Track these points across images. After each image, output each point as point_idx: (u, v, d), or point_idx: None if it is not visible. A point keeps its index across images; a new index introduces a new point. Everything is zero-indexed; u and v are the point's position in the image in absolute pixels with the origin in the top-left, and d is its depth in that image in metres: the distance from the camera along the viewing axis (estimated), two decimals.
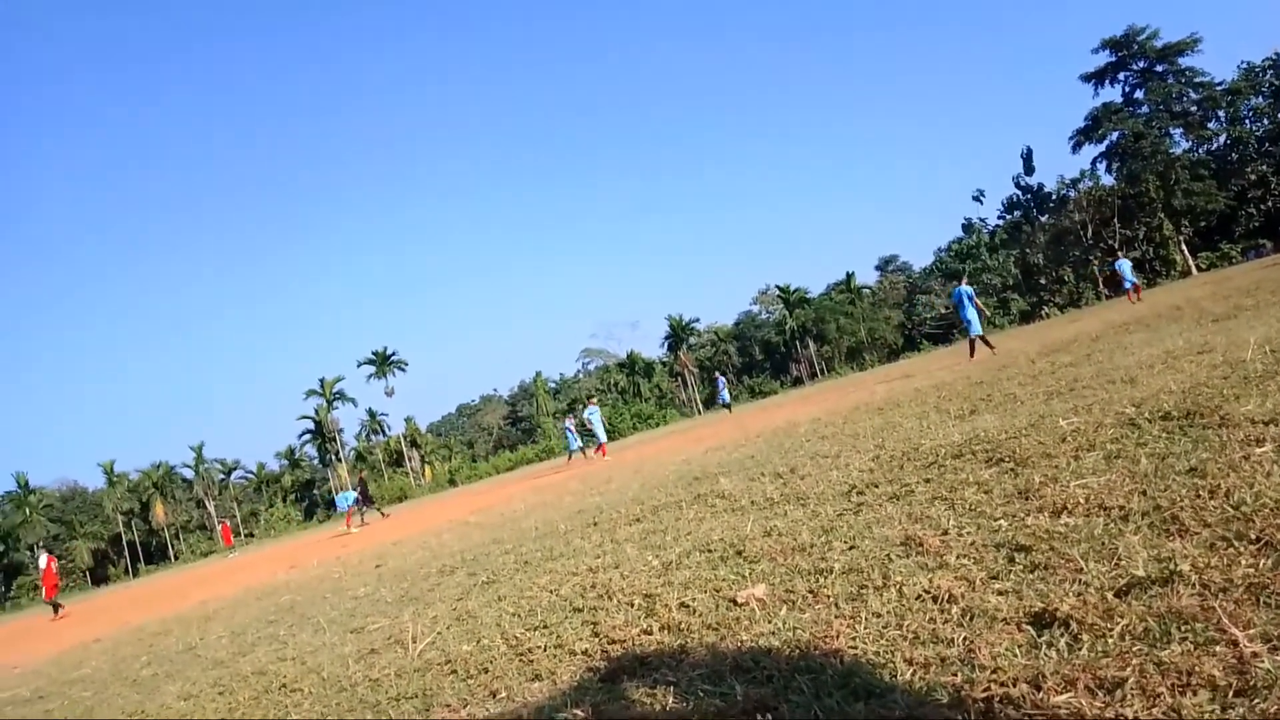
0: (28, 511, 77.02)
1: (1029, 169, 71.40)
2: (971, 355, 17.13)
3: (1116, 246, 59.87)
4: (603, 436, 23.55)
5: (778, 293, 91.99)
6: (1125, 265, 28.59)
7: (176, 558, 78.34)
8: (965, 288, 18.28)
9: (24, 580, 75.34)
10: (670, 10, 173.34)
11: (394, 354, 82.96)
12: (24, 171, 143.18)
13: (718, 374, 43.41)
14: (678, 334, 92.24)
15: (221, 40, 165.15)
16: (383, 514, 29.34)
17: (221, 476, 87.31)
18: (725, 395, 36.79)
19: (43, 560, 20.20)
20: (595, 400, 25.37)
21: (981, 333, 17.81)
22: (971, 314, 17.64)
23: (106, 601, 24.39)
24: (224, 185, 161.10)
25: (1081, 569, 2.52)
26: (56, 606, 19.49)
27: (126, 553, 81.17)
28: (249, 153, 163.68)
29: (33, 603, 67.52)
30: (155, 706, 4.50)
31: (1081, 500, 3.22)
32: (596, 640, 3.24)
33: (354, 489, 28.57)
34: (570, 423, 25.86)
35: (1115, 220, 61.09)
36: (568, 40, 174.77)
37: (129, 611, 14.51)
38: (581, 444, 24.99)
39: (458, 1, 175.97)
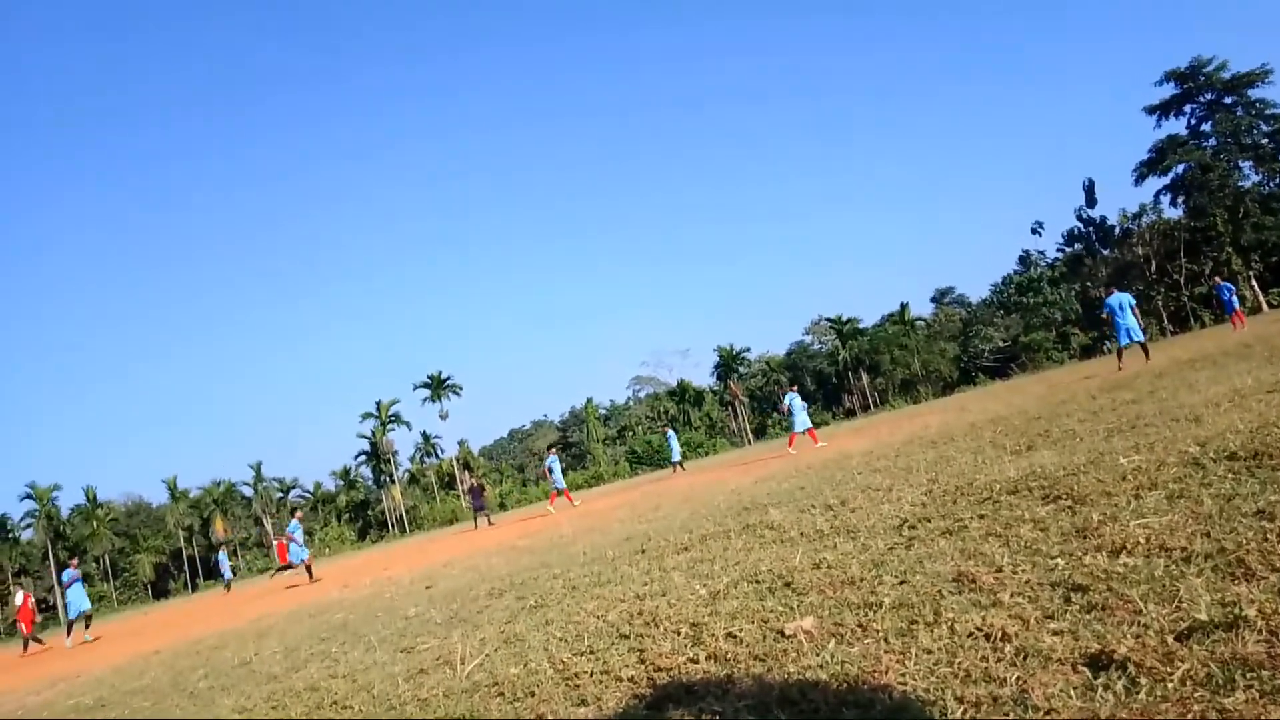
0: (95, 525, 79.48)
1: (1091, 201, 70.10)
2: (1122, 367, 17.10)
3: (1182, 281, 58.28)
4: (561, 484, 22.05)
5: (829, 324, 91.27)
6: (1228, 288, 27.51)
7: (234, 574, 79.96)
8: (1124, 295, 18.34)
9: (90, 591, 77.40)
10: (718, 37, 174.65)
11: (449, 378, 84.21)
12: (103, 194, 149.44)
13: (794, 387, 42.76)
14: (728, 363, 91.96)
15: (294, 84, 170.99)
16: (490, 521, 29.40)
17: (279, 495, 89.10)
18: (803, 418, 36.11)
19: (18, 598, 19.83)
20: (555, 450, 23.90)
21: (1143, 340, 17.99)
22: (1132, 321, 17.80)
23: (166, 615, 25.01)
24: (291, 211, 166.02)
25: (1141, 610, 2.46)
26: (27, 642, 19.07)
27: (186, 567, 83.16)
28: (316, 181, 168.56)
29: (97, 613, 69.57)
30: (211, 718, 4.61)
31: (1142, 540, 3.14)
32: (643, 667, 3.24)
33: (468, 493, 29.08)
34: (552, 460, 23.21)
35: (1181, 254, 59.43)
36: (624, 75, 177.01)
37: (187, 625, 14.86)
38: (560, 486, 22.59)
39: (511, 25, 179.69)
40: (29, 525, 77.79)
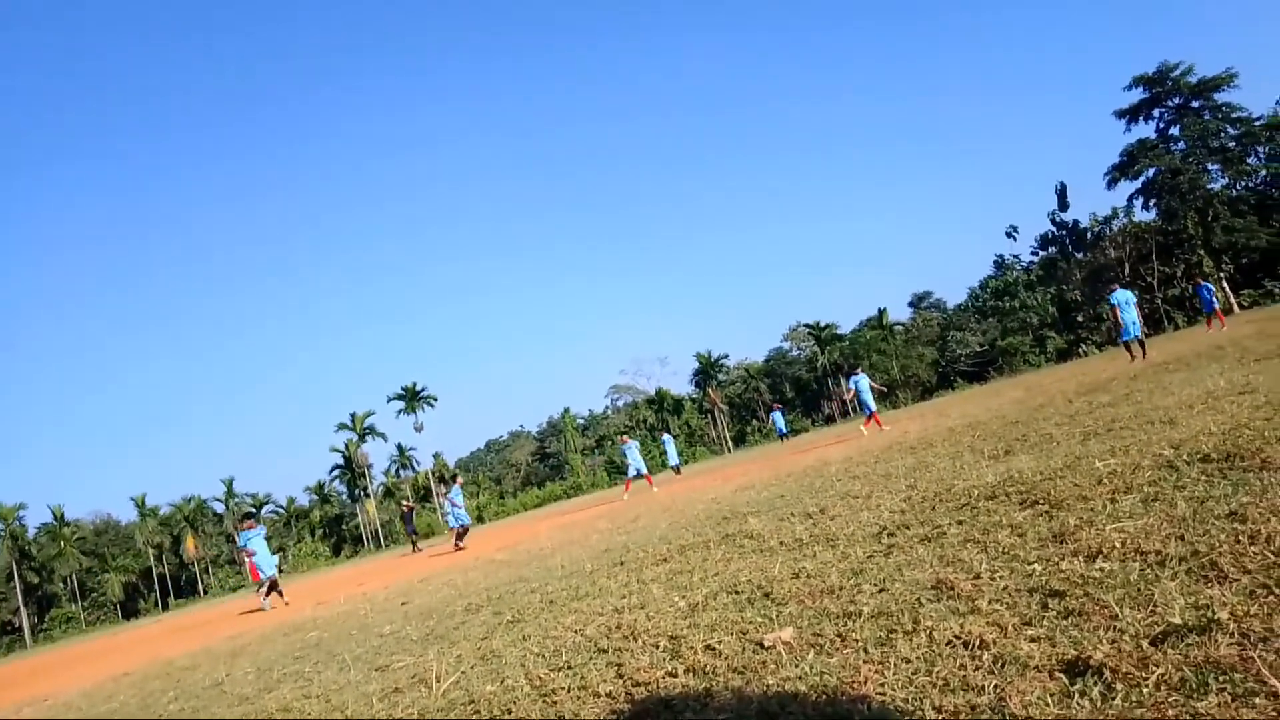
0: (62, 544, 78.05)
1: (1063, 205, 70.99)
2: (1134, 357, 18.20)
3: (1155, 284, 59.18)
4: (466, 520, 21.25)
5: (808, 330, 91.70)
6: (1208, 289, 28.00)
7: (206, 592, 78.88)
8: (1126, 292, 19.11)
9: (57, 613, 76.21)
10: (702, 43, 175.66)
11: (424, 389, 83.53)
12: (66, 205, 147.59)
13: (775, 406, 43.59)
14: (707, 370, 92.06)
15: (299, 89, 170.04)
16: (416, 548, 29.20)
17: (252, 511, 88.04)
18: (782, 426, 37.55)
19: None
20: (460, 480, 22.75)
21: (1140, 336, 18.84)
22: (1132, 316, 18.64)
23: (136, 635, 24.56)
24: (264, 224, 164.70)
25: (1116, 616, 2.47)
26: None
27: (157, 586, 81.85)
28: (290, 193, 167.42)
29: (65, 634, 68.31)
30: None
31: (1117, 545, 3.15)
32: (621, 682, 3.20)
33: (401, 518, 28.09)
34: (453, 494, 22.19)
35: (1153, 257, 60.36)
36: (601, 76, 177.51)
37: (158, 645, 14.59)
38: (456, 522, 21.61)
39: (483, 36, 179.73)
40: None
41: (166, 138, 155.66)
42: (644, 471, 23.05)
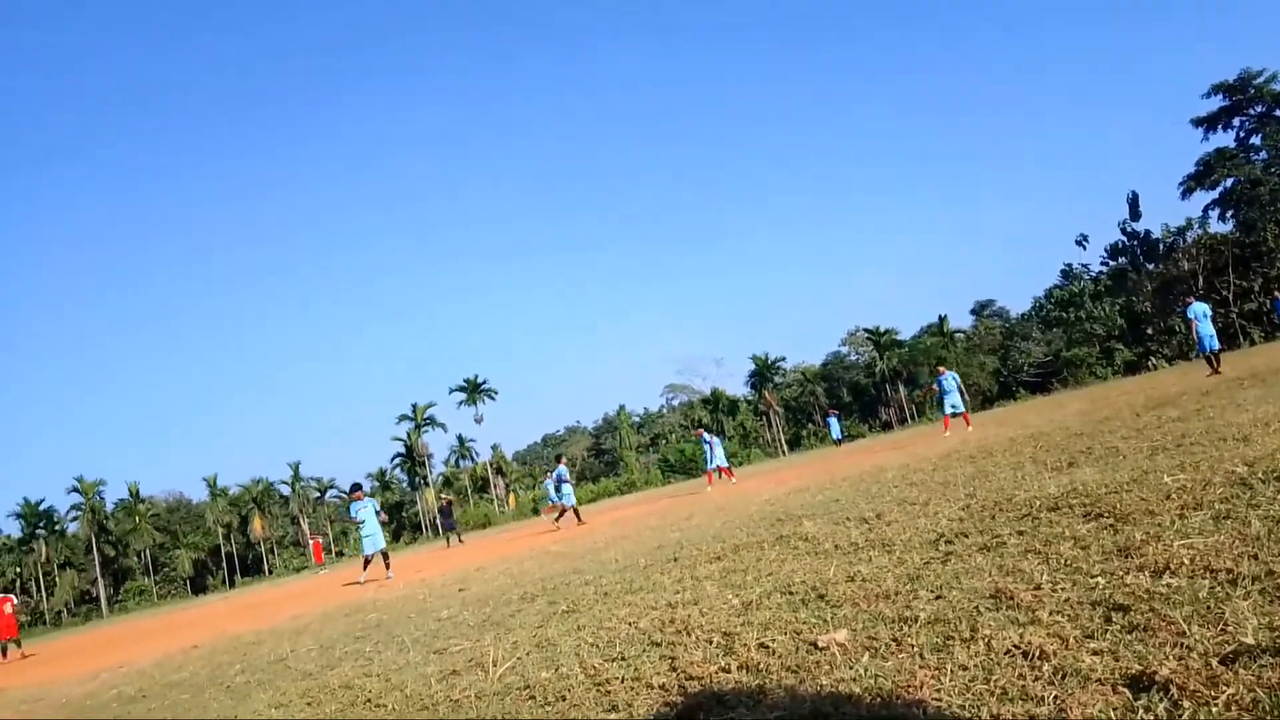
0: (137, 520, 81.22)
1: (1135, 214, 68.66)
2: (1213, 370, 18.01)
3: (1231, 298, 56.92)
4: (572, 500, 21.21)
5: (867, 335, 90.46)
6: None
7: (270, 571, 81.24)
8: (1203, 304, 18.94)
9: (131, 585, 79.31)
10: (764, 46, 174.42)
11: (485, 382, 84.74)
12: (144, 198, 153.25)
13: (830, 411, 43.38)
14: (763, 372, 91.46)
15: (355, 91, 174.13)
16: (460, 540, 29.66)
17: (317, 495, 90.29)
18: (837, 431, 37.45)
19: (6, 607, 19.30)
20: (564, 460, 23.27)
21: (1216, 350, 18.67)
22: (1209, 329, 18.48)
23: (204, 611, 25.46)
24: (336, 215, 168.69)
25: (1184, 632, 2.41)
26: (4, 649, 18.96)
27: (225, 564, 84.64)
28: (362, 185, 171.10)
29: (138, 606, 71.10)
30: (248, 712, 4.69)
31: (1186, 561, 3.08)
32: (674, 675, 3.24)
33: (439, 511, 28.50)
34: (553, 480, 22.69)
35: (1229, 270, 58.05)
36: (663, 81, 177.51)
37: (225, 621, 15.12)
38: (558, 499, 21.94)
39: (556, 31, 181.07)
40: (75, 518, 79.78)
41: (244, 122, 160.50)
42: (724, 465, 23.10)
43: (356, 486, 18.14)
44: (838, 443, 37.70)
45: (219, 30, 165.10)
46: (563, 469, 21.29)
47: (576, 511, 20.84)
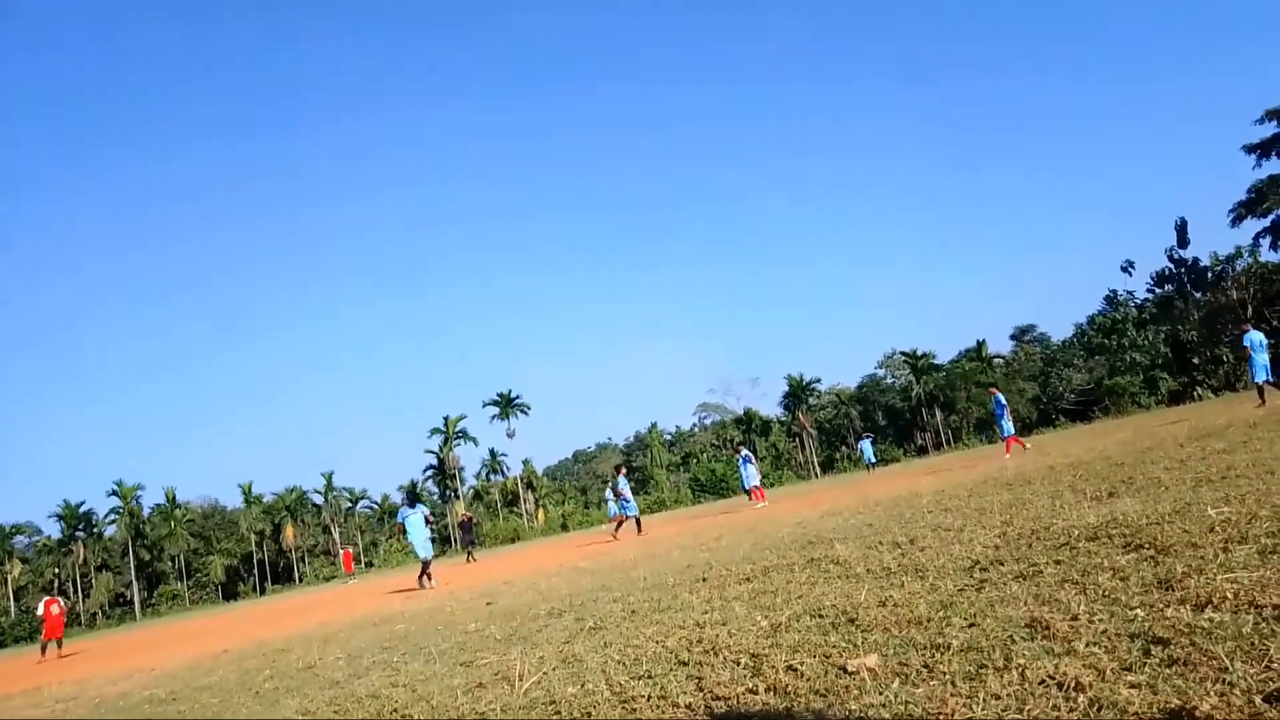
0: (173, 525, 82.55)
1: (1183, 241, 67.37)
2: (1262, 400, 17.72)
3: None
4: (634, 509, 21.05)
5: (904, 358, 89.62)
6: None
7: (301, 580, 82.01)
8: (1259, 333, 18.70)
9: (164, 589, 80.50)
10: (803, 62, 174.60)
11: (518, 397, 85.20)
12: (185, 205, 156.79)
13: (864, 435, 43.23)
14: (797, 393, 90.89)
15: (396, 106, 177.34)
16: (472, 558, 29.57)
17: (348, 505, 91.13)
18: (870, 455, 37.23)
19: (40, 608, 20.21)
20: (623, 470, 22.52)
21: (1271, 380, 18.50)
22: (1264, 359, 18.33)
23: (235, 616, 25.75)
24: (373, 228, 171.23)
25: (1226, 668, 2.35)
26: (44, 647, 19.82)
27: (256, 571, 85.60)
28: (397, 199, 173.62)
29: (170, 610, 72.13)
30: (276, 718, 4.73)
31: (1229, 595, 3.00)
32: (701, 695, 3.21)
33: (459, 526, 28.68)
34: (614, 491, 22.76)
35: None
36: (700, 95, 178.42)
37: (255, 627, 15.28)
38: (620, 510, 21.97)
39: (587, 48, 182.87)
40: (113, 521, 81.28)
41: (276, 138, 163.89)
42: (757, 484, 22.95)
43: (411, 494, 18.48)
44: (870, 467, 37.37)
45: (266, 51, 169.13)
46: (622, 479, 21.23)
47: (638, 521, 20.82)
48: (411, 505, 16.91)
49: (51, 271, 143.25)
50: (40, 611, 20.10)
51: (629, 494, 20.68)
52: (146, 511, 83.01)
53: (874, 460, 38.49)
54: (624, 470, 22.03)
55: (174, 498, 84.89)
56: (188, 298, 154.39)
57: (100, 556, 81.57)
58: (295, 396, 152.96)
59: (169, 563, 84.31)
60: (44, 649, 19.76)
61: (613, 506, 21.80)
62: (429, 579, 16.16)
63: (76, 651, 20.82)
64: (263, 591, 79.93)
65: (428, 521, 16.65)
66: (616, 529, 21.24)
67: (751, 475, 23.04)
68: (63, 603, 20.66)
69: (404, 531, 16.77)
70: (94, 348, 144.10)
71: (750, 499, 23.40)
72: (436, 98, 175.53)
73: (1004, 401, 21.76)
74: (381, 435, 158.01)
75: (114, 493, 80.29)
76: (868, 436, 41.12)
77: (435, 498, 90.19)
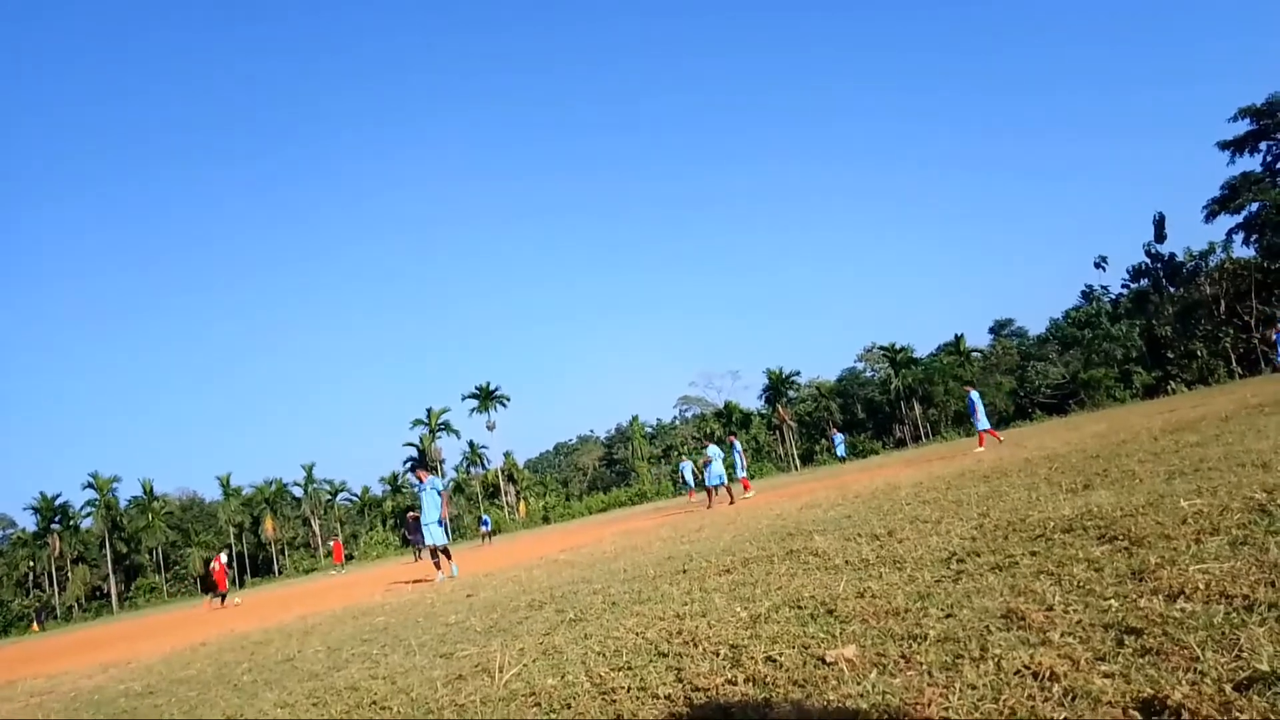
0: (150, 517, 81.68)
1: (1160, 236, 68.14)
2: None
3: (1253, 323, 56.38)
4: (984, 424, 22.03)
5: (882, 352, 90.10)
6: None
7: (280, 572, 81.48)
8: None
9: (142, 582, 79.73)
10: (782, 63, 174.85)
11: (497, 389, 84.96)
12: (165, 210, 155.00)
13: (834, 429, 44.90)
14: (777, 387, 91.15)
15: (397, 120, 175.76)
16: (418, 557, 29.71)
17: (328, 497, 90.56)
18: (842, 449, 38.68)
19: (218, 562, 24.82)
20: (733, 438, 23.92)
21: None
22: None
23: (213, 609, 25.55)
24: (352, 224, 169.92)
25: (1198, 657, 2.38)
26: (223, 596, 24.70)
27: (235, 564, 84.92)
28: (376, 195, 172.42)
29: (148, 603, 71.45)
30: (254, 711, 4.70)
31: (1201, 586, 3.04)
32: (680, 686, 3.22)
33: (406, 528, 29.23)
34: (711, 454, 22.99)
35: (1252, 295, 57.48)
36: (678, 91, 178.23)
37: (234, 620, 15.17)
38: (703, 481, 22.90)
39: (576, 40, 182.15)
40: (89, 514, 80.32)
41: (316, 141, 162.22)
42: (736, 478, 23.18)
43: (417, 465, 16.64)
44: (842, 460, 38.62)
45: (279, 55, 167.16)
46: (714, 448, 21.67)
47: (730, 490, 21.01)
48: (423, 479, 15.11)
49: (28, 266, 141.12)
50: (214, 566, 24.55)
51: (719, 463, 21.13)
52: (124, 504, 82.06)
53: (845, 454, 39.99)
54: (734, 438, 23.13)
55: (151, 490, 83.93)
56: (165, 289, 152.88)
57: (76, 549, 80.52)
58: (275, 388, 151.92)
59: (147, 555, 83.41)
60: (222, 599, 24.64)
61: (688, 479, 22.54)
62: (440, 566, 14.45)
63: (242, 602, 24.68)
64: (242, 584, 79.33)
65: (440, 497, 14.72)
66: (710, 498, 21.56)
67: (736, 467, 23.28)
68: (224, 558, 25.55)
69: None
70: (69, 339, 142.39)
71: (748, 486, 23.68)
72: (436, 100, 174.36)
73: (976, 399, 22.34)
74: (362, 428, 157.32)
75: (90, 485, 79.37)
76: (838, 431, 42.60)
77: (416, 489, 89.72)
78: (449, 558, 14.58)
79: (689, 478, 25.10)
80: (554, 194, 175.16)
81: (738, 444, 23.80)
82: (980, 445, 20.83)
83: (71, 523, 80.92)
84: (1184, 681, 2.24)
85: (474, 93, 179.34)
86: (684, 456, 27.25)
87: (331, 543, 32.66)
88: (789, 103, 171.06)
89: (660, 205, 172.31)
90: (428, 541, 14.49)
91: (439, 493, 14.67)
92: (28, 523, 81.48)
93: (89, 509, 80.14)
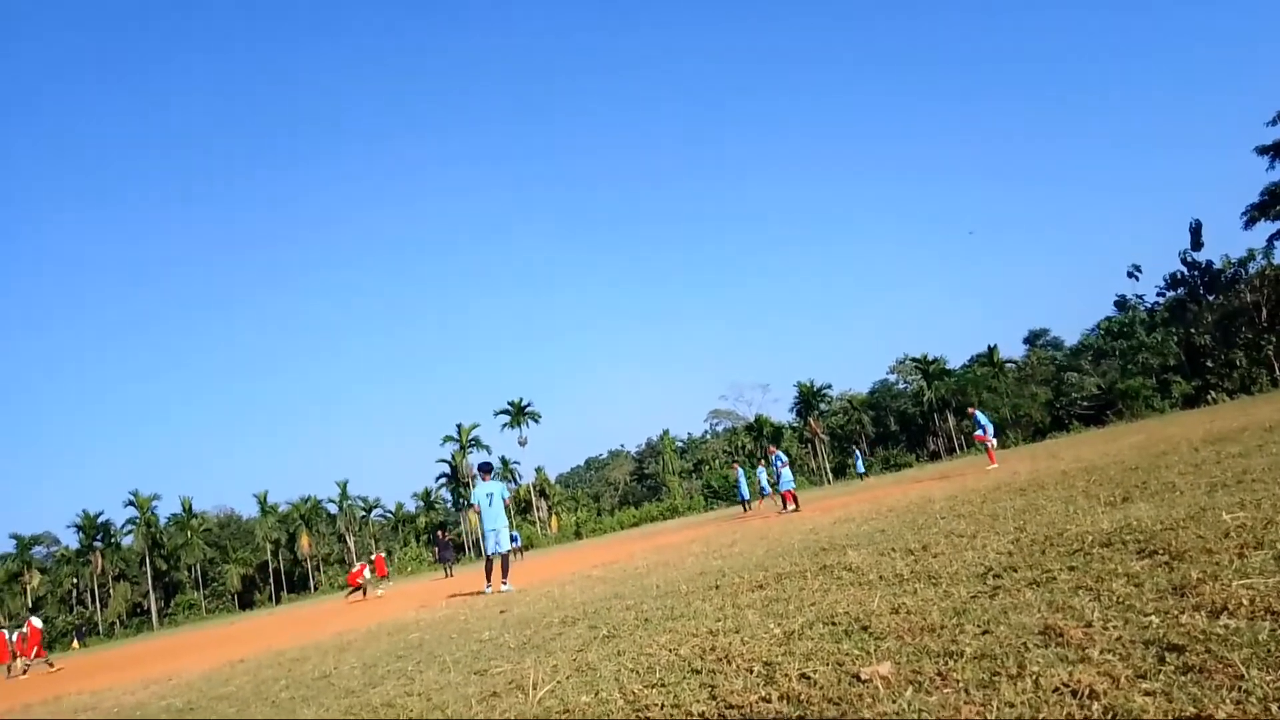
0: (189, 534, 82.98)
1: (1197, 244, 66.95)
2: None
3: None
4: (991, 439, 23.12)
5: (915, 364, 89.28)
6: None
7: (316, 588, 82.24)
8: None
9: (181, 599, 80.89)
10: (815, 76, 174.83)
11: (529, 405, 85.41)
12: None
13: (854, 445, 45.75)
14: (808, 400, 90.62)
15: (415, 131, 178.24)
16: (450, 573, 29.92)
17: (363, 513, 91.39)
18: (861, 465, 39.29)
19: (27, 625, 20.87)
20: (976, 409, 24.89)
21: None
22: None
23: (251, 625, 25.84)
24: (386, 243, 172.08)
25: (1242, 675, 2.34)
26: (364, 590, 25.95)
27: (272, 580, 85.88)
28: (410, 214, 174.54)
29: (187, 619, 72.46)
30: None
31: (1245, 601, 2.98)
32: (714, 703, 3.21)
33: (437, 545, 29.66)
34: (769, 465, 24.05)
35: None
36: (708, 103, 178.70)
37: (271, 636, 15.33)
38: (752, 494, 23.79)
39: (602, 61, 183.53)
40: (129, 532, 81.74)
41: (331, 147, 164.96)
42: (780, 491, 23.17)
43: (485, 467, 14.86)
44: (862, 476, 39.14)
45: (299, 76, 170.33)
46: (781, 454, 22.21)
47: (795, 498, 21.49)
48: (486, 480, 13.88)
49: (69, 282, 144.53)
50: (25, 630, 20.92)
51: (788, 469, 21.62)
52: (163, 521, 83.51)
53: (864, 470, 40.61)
54: (774, 449, 23.47)
55: (190, 507, 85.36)
56: (204, 308, 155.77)
57: (118, 566, 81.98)
58: (310, 406, 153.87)
59: (185, 572, 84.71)
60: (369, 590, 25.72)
61: (765, 486, 23.20)
62: (489, 579, 13.45)
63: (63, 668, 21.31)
64: (278, 601, 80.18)
65: (504, 502, 13.68)
66: (783, 505, 21.80)
67: (787, 479, 23.22)
68: (36, 622, 21.46)
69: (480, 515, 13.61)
70: (111, 359, 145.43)
71: (790, 499, 23.59)
72: (451, 107, 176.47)
73: (983, 419, 23.01)
74: (395, 445, 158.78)
75: (131, 503, 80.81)
76: (856, 447, 43.63)
77: (449, 505, 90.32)
78: (505, 572, 13.43)
79: (754, 487, 26.04)
80: (586, 208, 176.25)
81: (782, 456, 23.78)
82: (992, 462, 21.24)
83: (113, 540, 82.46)
84: (1228, 700, 2.20)
85: (515, 106, 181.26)
86: (735, 464, 27.83)
87: (374, 556, 32.85)
88: (819, 115, 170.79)
89: (691, 220, 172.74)
90: (490, 550, 13.34)
91: (504, 498, 13.67)
92: (71, 540, 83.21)
93: (130, 526, 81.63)
